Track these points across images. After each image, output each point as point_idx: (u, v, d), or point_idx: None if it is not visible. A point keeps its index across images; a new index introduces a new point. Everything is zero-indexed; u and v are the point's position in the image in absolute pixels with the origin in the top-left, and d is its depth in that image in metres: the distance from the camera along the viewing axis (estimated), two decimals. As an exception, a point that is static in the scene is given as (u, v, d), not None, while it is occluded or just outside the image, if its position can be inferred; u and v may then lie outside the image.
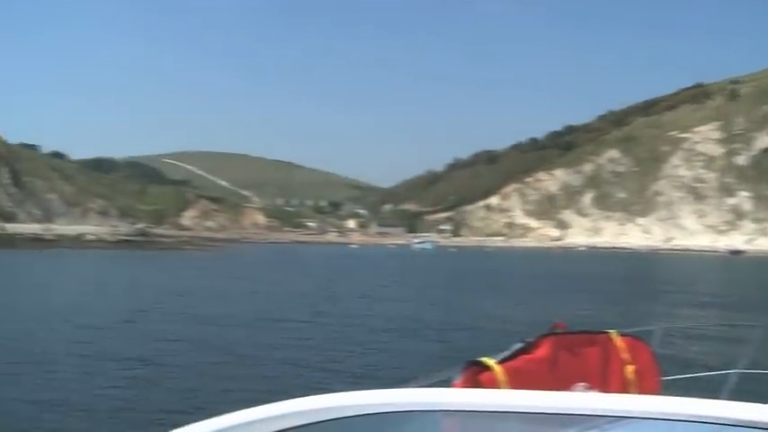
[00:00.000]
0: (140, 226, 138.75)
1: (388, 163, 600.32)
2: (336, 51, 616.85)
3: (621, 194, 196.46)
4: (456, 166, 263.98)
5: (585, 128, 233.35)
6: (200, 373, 16.81)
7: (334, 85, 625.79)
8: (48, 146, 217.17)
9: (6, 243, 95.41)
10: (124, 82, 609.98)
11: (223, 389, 14.60)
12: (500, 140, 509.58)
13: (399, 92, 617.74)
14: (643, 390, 3.06)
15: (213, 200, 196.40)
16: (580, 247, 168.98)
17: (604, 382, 3.00)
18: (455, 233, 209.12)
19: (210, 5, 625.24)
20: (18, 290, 39.62)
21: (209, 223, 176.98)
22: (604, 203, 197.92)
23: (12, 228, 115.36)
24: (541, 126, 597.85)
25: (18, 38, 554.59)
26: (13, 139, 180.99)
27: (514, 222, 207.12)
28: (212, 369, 17.21)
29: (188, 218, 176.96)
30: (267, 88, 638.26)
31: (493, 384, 2.48)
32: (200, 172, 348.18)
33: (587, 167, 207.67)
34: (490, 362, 2.60)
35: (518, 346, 2.87)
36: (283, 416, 1.49)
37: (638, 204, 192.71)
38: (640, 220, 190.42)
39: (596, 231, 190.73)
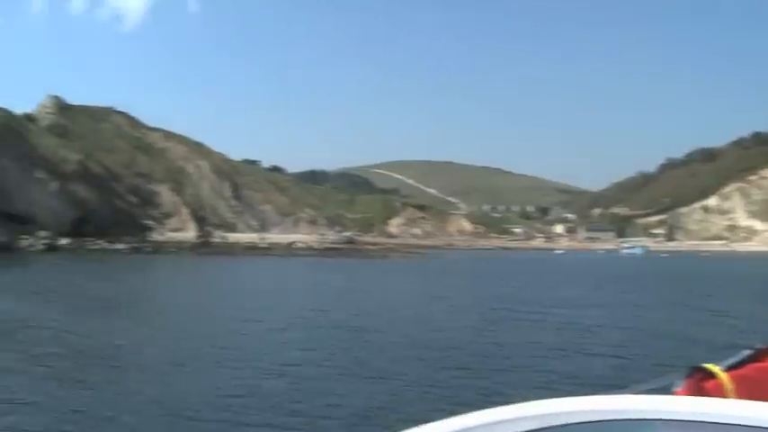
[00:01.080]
0: (348, 234, 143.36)
1: (597, 165, 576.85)
2: (544, 57, 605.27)
3: None
4: (669, 166, 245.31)
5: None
6: (419, 376, 16.80)
7: (542, 90, 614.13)
8: (268, 161, 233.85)
9: (227, 251, 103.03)
10: (343, 99, 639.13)
11: (436, 393, 14.81)
12: (718, 137, 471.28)
13: (608, 92, 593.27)
14: None
15: (419, 207, 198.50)
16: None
17: None
18: (669, 237, 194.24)
19: (417, 19, 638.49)
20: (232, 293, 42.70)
21: (416, 230, 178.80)
22: None
23: (232, 237, 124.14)
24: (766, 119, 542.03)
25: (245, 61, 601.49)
26: (238, 156, 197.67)
27: (737, 225, 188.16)
28: (425, 372, 17.25)
29: (394, 225, 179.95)
30: (474, 97, 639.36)
31: (719, 393, 2.18)
32: (408, 181, 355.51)
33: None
34: (715, 369, 2.31)
35: (746, 353, 2.51)
36: (499, 422, 1.37)
37: None
38: None
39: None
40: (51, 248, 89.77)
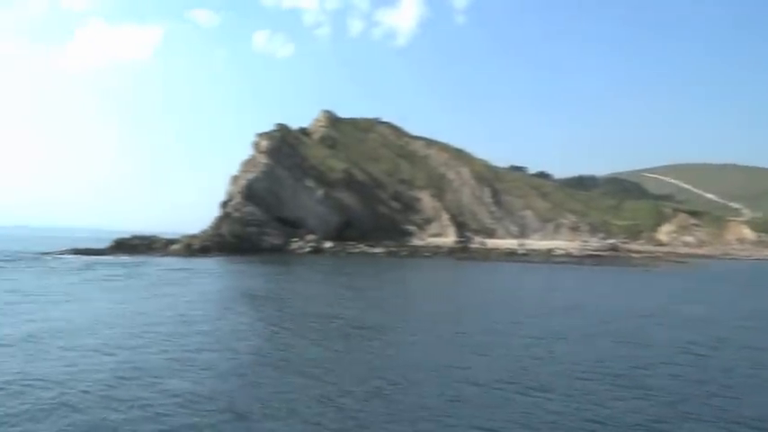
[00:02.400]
0: (611, 241, 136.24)
1: None
2: None
3: None
4: None
5: None
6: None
7: None
8: (536, 168, 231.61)
9: (483, 256, 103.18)
10: (614, 102, 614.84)
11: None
12: None
13: None
14: None
15: (692, 213, 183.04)
16: None
17: None
18: None
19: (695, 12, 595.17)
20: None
21: (688, 238, 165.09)
22: None
23: (491, 243, 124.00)
24: None
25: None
26: (505, 162, 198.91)
27: None
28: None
29: (664, 233, 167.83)
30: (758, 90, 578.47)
31: None
32: (684, 185, 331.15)
33: None
34: None
35: None
36: None
37: None
38: None
39: None
40: (316, 251, 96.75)
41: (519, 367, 18.92)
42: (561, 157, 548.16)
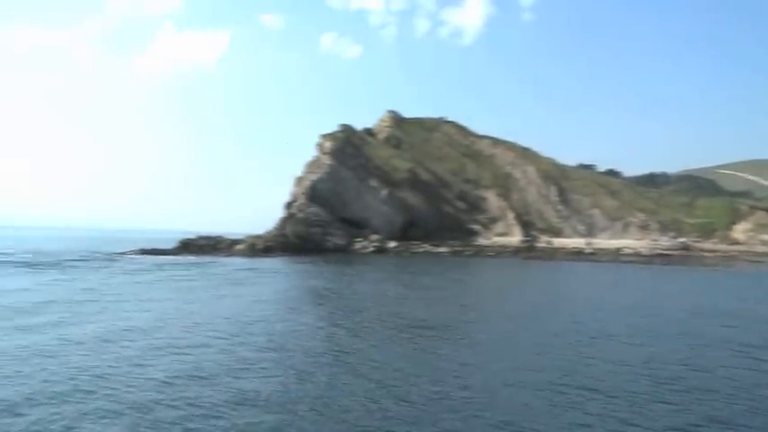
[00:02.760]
0: (682, 240, 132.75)
1: None
2: None
3: None
4: None
5: None
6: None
7: None
8: (605, 165, 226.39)
9: (549, 255, 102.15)
10: (687, 95, 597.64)
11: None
12: None
13: None
14: None
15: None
16: None
17: None
18: None
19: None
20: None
21: (767, 237, 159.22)
22: None
23: (558, 242, 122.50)
24: None
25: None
26: (574, 160, 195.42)
27: None
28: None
29: (740, 231, 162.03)
30: None
31: None
32: (763, 182, 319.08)
33: None
34: None
35: None
36: None
37: None
38: None
39: None
40: (380, 250, 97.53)
41: (569, 367, 18.91)
42: (632, 154, 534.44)
